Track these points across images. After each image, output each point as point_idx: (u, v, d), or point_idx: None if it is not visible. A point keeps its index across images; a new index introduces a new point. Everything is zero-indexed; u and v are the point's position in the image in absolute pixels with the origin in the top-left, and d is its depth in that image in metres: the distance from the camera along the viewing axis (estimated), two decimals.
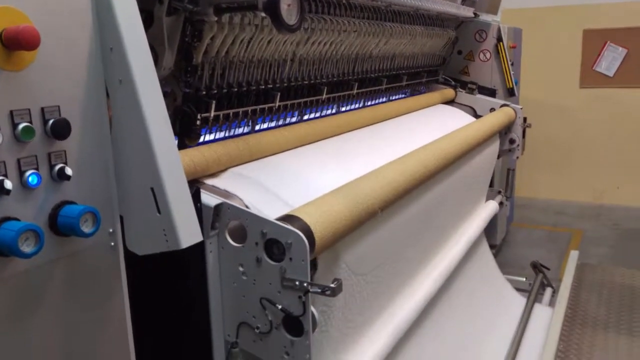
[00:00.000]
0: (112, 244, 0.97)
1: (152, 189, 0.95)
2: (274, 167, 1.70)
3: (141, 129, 0.94)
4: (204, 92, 1.59)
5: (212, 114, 1.61)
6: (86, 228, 0.85)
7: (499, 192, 3.63)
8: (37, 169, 0.84)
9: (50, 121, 0.85)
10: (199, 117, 1.57)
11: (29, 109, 0.83)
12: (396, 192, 1.67)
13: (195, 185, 1.23)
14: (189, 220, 0.98)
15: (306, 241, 1.17)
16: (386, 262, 1.84)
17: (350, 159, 1.96)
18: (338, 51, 2.19)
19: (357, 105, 2.59)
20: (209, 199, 1.27)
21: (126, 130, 0.96)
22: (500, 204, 3.54)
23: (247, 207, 1.45)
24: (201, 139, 1.66)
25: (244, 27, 1.61)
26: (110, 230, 0.96)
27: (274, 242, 1.22)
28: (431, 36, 3.01)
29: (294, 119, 2.11)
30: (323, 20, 1.97)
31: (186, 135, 1.57)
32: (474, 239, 2.88)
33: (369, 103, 2.72)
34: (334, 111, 2.39)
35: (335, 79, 2.26)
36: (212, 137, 1.73)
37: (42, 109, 0.85)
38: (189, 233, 0.97)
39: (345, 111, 2.46)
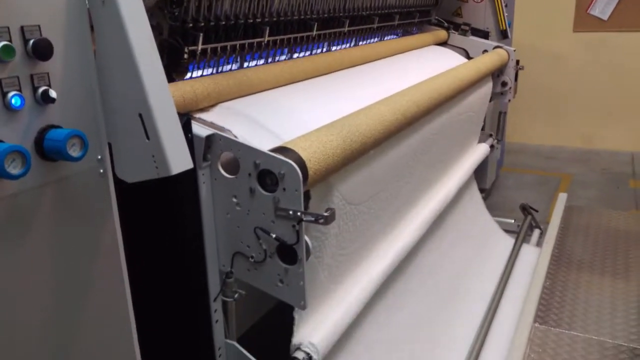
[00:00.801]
0: (101, 170, 0.95)
1: (140, 115, 0.93)
2: (265, 102, 1.68)
3: (126, 52, 0.90)
4: (191, 25, 1.55)
5: (200, 47, 1.57)
6: (74, 152, 0.83)
7: (490, 135, 3.63)
8: (19, 90, 0.81)
9: (31, 41, 0.81)
10: (186, 50, 1.53)
11: (8, 27, 0.79)
12: (388, 129, 1.66)
13: (185, 116, 1.21)
14: (178, 147, 0.97)
15: (299, 172, 1.16)
16: (379, 195, 1.84)
17: (342, 96, 1.93)
18: None
19: (348, 45, 2.54)
20: (200, 130, 1.25)
21: (111, 54, 0.93)
22: (491, 147, 3.54)
23: (239, 139, 1.43)
24: (189, 76, 1.63)
25: None
26: (99, 157, 0.94)
27: (267, 172, 1.21)
28: None
29: (283, 57, 2.07)
30: None
31: (173, 69, 1.53)
32: (465, 180, 2.90)
33: (361, 43, 2.67)
34: (324, 50, 2.35)
35: (325, 16, 2.20)
36: (200, 73, 1.69)
37: (22, 27, 0.81)
38: (179, 159, 0.96)
39: (336, 50, 2.41)
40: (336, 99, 1.87)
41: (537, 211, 3.68)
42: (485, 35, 3.72)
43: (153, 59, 0.94)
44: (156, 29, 1.54)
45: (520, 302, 2.56)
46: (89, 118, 0.92)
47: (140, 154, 0.95)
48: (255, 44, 1.80)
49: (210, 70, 1.73)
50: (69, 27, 0.88)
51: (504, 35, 3.79)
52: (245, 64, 1.87)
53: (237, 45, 1.74)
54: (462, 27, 3.60)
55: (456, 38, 3.57)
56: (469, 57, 3.49)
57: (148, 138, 0.94)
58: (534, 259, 3.01)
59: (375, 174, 1.80)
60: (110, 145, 0.98)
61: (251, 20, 1.78)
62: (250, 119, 1.54)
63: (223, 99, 1.58)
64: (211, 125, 1.43)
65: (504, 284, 2.78)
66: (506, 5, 3.90)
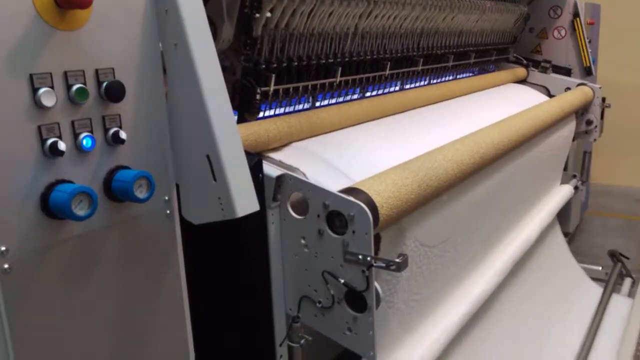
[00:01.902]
0: (168, 212, 0.94)
1: (207, 156, 0.91)
2: (337, 142, 1.65)
3: (196, 94, 0.90)
4: (264, 66, 1.56)
5: (272, 87, 1.57)
6: (140, 193, 0.83)
7: (574, 176, 3.43)
8: (91, 131, 0.82)
9: (105, 83, 0.82)
10: (258, 90, 1.54)
11: (83, 70, 0.81)
12: (466, 172, 1.58)
13: (256, 157, 1.19)
14: (245, 189, 0.94)
15: (370, 214, 1.11)
16: (455, 237, 1.75)
17: (415, 136, 1.88)
18: (402, 25, 2.10)
19: (421, 83, 2.49)
20: (271, 170, 1.23)
21: (181, 95, 0.93)
22: (575, 188, 3.34)
23: (309, 180, 1.40)
24: (261, 115, 1.63)
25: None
26: (166, 197, 0.94)
27: (337, 214, 1.16)
28: (501, 12, 2.85)
29: (355, 96, 2.04)
30: None
31: (246, 110, 1.54)
32: (547, 223, 2.73)
33: (435, 81, 2.61)
34: (397, 88, 2.31)
35: (399, 55, 2.17)
36: (272, 112, 1.70)
37: (97, 70, 0.82)
38: (245, 201, 0.93)
39: (409, 88, 2.37)
40: (410, 139, 1.82)
41: (628, 258, 3.40)
42: (567, 72, 3.56)
43: (222, 102, 0.93)
44: (229, 70, 1.56)
45: (612, 357, 2.34)
46: (158, 159, 0.92)
47: (207, 195, 0.94)
48: (327, 84, 1.79)
49: (282, 110, 1.73)
50: (142, 70, 0.89)
51: (587, 72, 3.61)
52: (317, 104, 1.86)
53: (309, 86, 1.74)
54: (543, 64, 3.47)
55: (536, 76, 3.44)
56: (550, 96, 3.34)
57: (215, 180, 0.92)
58: (625, 311, 2.76)
59: (452, 215, 1.71)
60: (177, 186, 0.98)
61: (323, 61, 1.77)
62: (321, 159, 1.51)
63: (295, 139, 1.57)
64: (281, 164, 1.42)
65: (592, 337, 2.55)
66: (590, 41, 3.73)
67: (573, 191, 3.21)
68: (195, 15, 0.94)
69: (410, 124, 1.97)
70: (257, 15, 1.47)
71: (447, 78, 2.71)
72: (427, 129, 1.97)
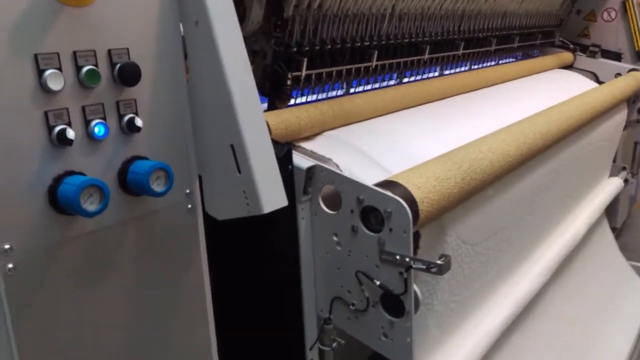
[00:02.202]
0: (190, 206, 0.86)
1: (231, 146, 0.83)
2: (372, 131, 1.55)
3: (219, 78, 0.81)
4: (295, 50, 1.46)
5: (304, 72, 1.48)
6: (157, 187, 0.75)
7: (624, 169, 3.23)
8: (104, 118, 0.74)
9: (118, 65, 0.74)
10: (289, 76, 1.44)
11: (95, 51, 0.73)
12: (512, 164, 1.46)
13: (286, 146, 1.11)
14: (272, 182, 0.86)
15: (408, 210, 1.01)
16: (498, 234, 1.63)
17: (456, 125, 1.76)
18: (442, 6, 1.98)
19: (462, 68, 2.36)
20: (301, 161, 1.14)
21: (203, 79, 0.84)
22: (625, 181, 3.16)
23: (342, 171, 1.31)
24: (292, 102, 1.54)
25: None
26: (187, 191, 0.86)
27: (372, 210, 1.07)
28: None
29: (392, 82, 1.93)
30: None
31: (276, 96, 1.45)
32: (595, 219, 2.57)
33: (476, 66, 2.47)
34: (436, 74, 2.19)
35: (438, 38, 2.05)
36: (303, 99, 1.61)
37: (109, 51, 0.74)
38: (272, 196, 0.85)
39: (449, 74, 2.24)
40: (451, 128, 1.70)
41: None
42: (617, 57, 3.35)
43: (248, 87, 0.84)
44: (259, 54, 1.48)
45: None
46: (178, 149, 0.84)
47: (231, 189, 0.85)
48: (362, 69, 1.69)
49: (314, 97, 1.64)
50: (160, 50, 0.81)
51: (639, 56, 3.40)
52: (352, 90, 1.76)
53: (344, 71, 1.64)
54: (591, 48, 3.27)
55: (584, 61, 3.24)
56: (598, 82, 3.15)
57: (240, 172, 0.84)
58: None
59: (496, 210, 1.59)
60: (200, 178, 0.90)
61: (358, 44, 1.67)
62: (356, 149, 1.41)
63: (328, 127, 1.48)
64: (312, 155, 1.33)
65: None
66: None
67: (623, 184, 3.03)
68: None
69: (450, 112, 1.85)
70: None
71: (489, 63, 2.57)
72: (468, 118, 1.84)
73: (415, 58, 1.96)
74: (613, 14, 3.33)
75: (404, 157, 1.44)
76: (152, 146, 0.80)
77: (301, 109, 1.40)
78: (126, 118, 0.76)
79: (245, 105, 0.84)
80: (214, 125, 0.86)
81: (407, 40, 1.88)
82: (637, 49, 3.39)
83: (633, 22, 3.34)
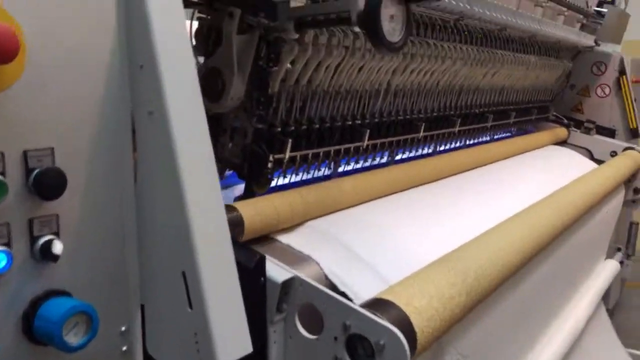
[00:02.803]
0: (124, 348, 0.67)
1: (183, 274, 0.64)
2: (361, 221, 1.37)
3: (173, 186, 0.64)
4: (279, 129, 1.30)
5: (288, 154, 1.31)
6: (74, 337, 0.56)
7: (619, 249, 3.09)
8: (7, 244, 0.55)
9: (36, 171, 0.56)
10: (271, 158, 1.27)
11: (3, 153, 0.55)
12: (518, 265, 1.29)
13: (258, 255, 0.92)
14: (234, 323, 0.66)
15: (406, 345, 0.82)
16: (499, 341, 1.45)
17: (454, 215, 1.59)
18: (440, 82, 1.85)
19: (457, 144, 2.22)
20: (276, 272, 0.95)
21: (153, 184, 0.66)
22: (621, 263, 3.01)
23: (326, 276, 1.13)
24: (274, 183, 1.37)
25: (332, 50, 1.31)
26: (123, 328, 0.66)
27: (360, 338, 0.88)
28: (545, 67, 2.59)
29: (383, 159, 1.77)
30: (425, 44, 1.64)
31: (254, 180, 1.28)
32: (594, 307, 2.40)
33: (471, 141, 2.34)
34: (430, 150, 2.04)
35: (434, 114, 1.91)
36: (287, 180, 1.43)
37: (25, 152, 0.57)
38: (232, 343, 0.66)
39: (444, 151, 2.09)
40: (447, 219, 1.53)
41: None
42: (611, 133, 3.26)
43: (210, 198, 0.66)
44: (239, 131, 1.31)
45: None
46: (114, 275, 0.65)
47: (180, 327, 0.66)
48: (352, 149, 1.53)
49: (298, 177, 1.47)
50: (98, 150, 0.63)
51: (634, 134, 3.32)
52: (340, 168, 1.60)
53: (332, 151, 1.47)
54: (586, 124, 3.18)
55: (578, 137, 3.15)
56: (593, 158, 3.05)
57: (191, 307, 0.65)
58: None
59: (498, 316, 1.41)
60: (143, 308, 0.70)
61: (350, 122, 1.52)
62: (341, 245, 1.23)
63: (311, 216, 1.30)
64: (288, 251, 1.15)
65: None
66: (635, 100, 3.45)
67: (619, 267, 2.87)
68: (181, 74, 0.68)
69: (445, 199, 1.69)
70: (275, 68, 1.22)
71: (484, 138, 2.44)
72: (465, 206, 1.68)
73: (410, 136, 1.81)
74: (607, 90, 3.27)
75: (395, 255, 1.26)
76: (76, 276, 0.61)
77: (281, 197, 1.23)
78: (41, 241, 0.58)
79: (204, 222, 0.65)
80: (163, 244, 0.67)
81: (401, 117, 1.74)
82: (631, 126, 3.32)
83: (627, 99, 3.28)
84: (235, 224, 1.10)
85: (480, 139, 2.39)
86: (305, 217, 1.28)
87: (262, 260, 0.92)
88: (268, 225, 1.16)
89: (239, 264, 0.85)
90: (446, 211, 1.59)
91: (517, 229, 1.40)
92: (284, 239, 1.22)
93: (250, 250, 0.92)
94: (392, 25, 0.95)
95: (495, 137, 2.60)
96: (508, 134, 2.76)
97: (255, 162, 1.26)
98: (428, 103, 1.86)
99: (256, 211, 1.15)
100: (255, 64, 1.20)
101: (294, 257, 1.16)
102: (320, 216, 1.33)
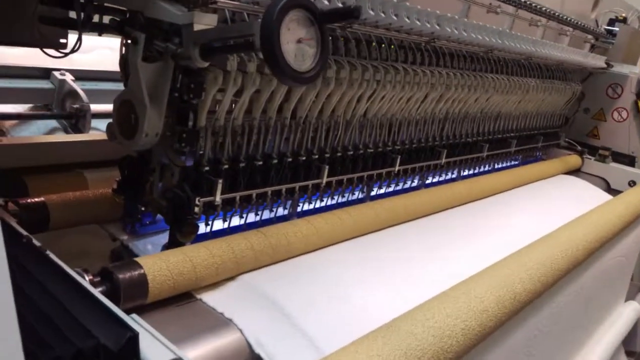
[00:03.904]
0: None
1: None
2: (309, 273, 1.19)
3: None
4: (207, 168, 1.14)
5: (219, 197, 1.15)
6: None
7: None
8: None
9: None
10: (197, 201, 1.11)
11: None
12: (501, 318, 1.09)
13: (130, 329, 0.74)
14: None
15: None
16: None
17: (428, 261, 1.40)
18: (419, 109, 1.67)
19: (446, 176, 2.02)
20: (156, 353, 0.76)
21: None
22: None
23: (250, 345, 0.95)
24: (205, 230, 1.20)
25: (264, 79, 1.15)
26: None
27: None
28: (549, 91, 2.39)
29: (341, 198, 1.57)
30: (393, 68, 1.46)
31: (178, 228, 1.11)
32: (609, 355, 2.14)
33: (465, 172, 2.14)
34: (414, 183, 1.85)
35: (414, 146, 1.73)
36: (225, 224, 1.26)
37: None
38: None
39: (428, 185, 1.90)
40: (420, 269, 1.34)
41: None
42: (631, 161, 3.02)
43: None
44: (167, 170, 1.15)
45: None
46: None
47: None
48: (297, 188, 1.35)
49: (238, 220, 1.29)
50: None
51: None
52: (287, 209, 1.42)
53: (269, 192, 1.30)
54: (601, 151, 2.94)
55: (593, 165, 2.91)
56: (609, 189, 2.81)
57: None
58: None
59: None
60: None
61: (304, 158, 1.35)
62: (275, 306, 1.05)
63: (245, 269, 1.13)
64: (211, 316, 0.98)
65: None
66: None
67: None
68: None
69: (422, 241, 1.50)
70: (196, 100, 1.07)
71: (477, 170, 2.23)
72: (446, 247, 1.48)
73: (386, 170, 1.63)
74: (624, 114, 3.04)
75: (343, 317, 1.07)
76: None
77: (205, 248, 1.06)
78: None
79: None
80: None
81: (380, 149, 1.56)
82: None
83: None
84: (137, 284, 0.94)
85: (473, 170, 2.19)
86: (238, 270, 1.11)
87: (133, 340, 0.74)
88: (182, 285, 0.99)
89: (102, 347, 0.69)
90: (417, 260, 1.39)
91: (509, 273, 1.20)
92: (208, 297, 1.05)
93: (121, 325, 0.74)
94: (300, 51, 0.78)
95: (497, 166, 2.39)
96: (515, 162, 2.54)
97: (177, 206, 1.10)
98: (406, 133, 1.68)
99: (168, 267, 0.98)
100: (172, 96, 1.05)
101: (211, 323, 0.98)
102: (259, 268, 1.15)
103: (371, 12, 1.15)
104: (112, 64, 1.75)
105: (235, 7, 0.96)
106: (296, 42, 0.77)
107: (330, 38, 1.20)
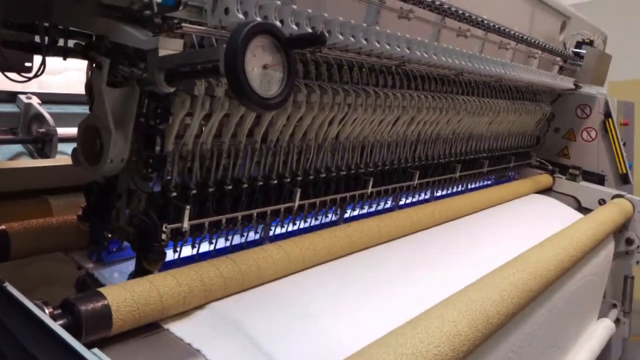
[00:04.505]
0: None
1: None
2: (281, 300, 1.17)
3: None
4: (175, 193, 1.11)
5: (186, 224, 1.12)
6: None
7: (614, 306, 2.85)
8: None
9: None
10: (164, 228, 1.08)
11: None
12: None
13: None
14: None
15: None
16: None
17: (403, 286, 1.39)
18: (391, 132, 1.67)
19: (419, 197, 2.03)
20: None
21: None
22: (617, 320, 2.76)
23: None
24: (174, 256, 1.17)
25: (233, 103, 1.14)
26: None
27: None
28: (519, 112, 2.42)
29: (314, 221, 1.56)
30: (364, 92, 1.46)
31: (145, 256, 1.08)
32: None
33: (440, 192, 2.15)
34: (387, 205, 1.85)
35: (386, 168, 1.73)
36: (193, 250, 1.24)
37: None
38: None
39: (402, 206, 1.90)
40: (393, 294, 1.33)
41: None
42: (600, 180, 3.07)
43: None
44: (134, 196, 1.13)
45: None
46: None
47: None
48: (269, 212, 1.33)
49: (207, 246, 1.27)
50: None
51: (624, 180, 3.12)
52: (259, 234, 1.40)
53: (239, 217, 1.27)
54: (571, 170, 2.99)
55: (564, 184, 2.96)
56: (580, 208, 2.85)
57: None
58: None
59: None
60: None
61: (276, 181, 1.33)
62: (246, 335, 1.03)
63: (214, 297, 1.10)
64: (178, 347, 0.95)
65: None
66: (624, 144, 3.26)
67: (614, 327, 2.62)
68: None
69: (396, 264, 1.49)
70: (163, 125, 1.05)
71: (453, 190, 2.24)
72: (419, 272, 1.47)
73: (359, 192, 1.62)
74: (593, 134, 3.10)
75: (318, 350, 1.05)
76: None
77: (172, 277, 1.03)
78: None
79: None
80: None
81: (353, 171, 1.56)
82: (620, 172, 3.13)
83: (614, 143, 3.10)
84: (100, 316, 0.91)
85: (446, 191, 2.20)
86: (207, 299, 1.08)
87: None
88: (147, 315, 0.96)
89: None
90: (390, 284, 1.38)
91: (481, 296, 1.19)
92: (175, 327, 1.02)
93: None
94: (266, 78, 0.78)
95: (470, 186, 2.40)
96: (487, 182, 2.56)
97: (144, 233, 1.07)
98: (379, 155, 1.68)
99: (133, 297, 0.95)
100: (139, 120, 1.03)
101: (179, 354, 0.96)
102: (228, 296, 1.13)
103: (340, 37, 1.15)
104: (81, 86, 1.73)
105: (201, 32, 0.95)
106: (262, 68, 0.77)
107: (298, 63, 1.20)
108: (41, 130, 1.57)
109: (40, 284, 1.25)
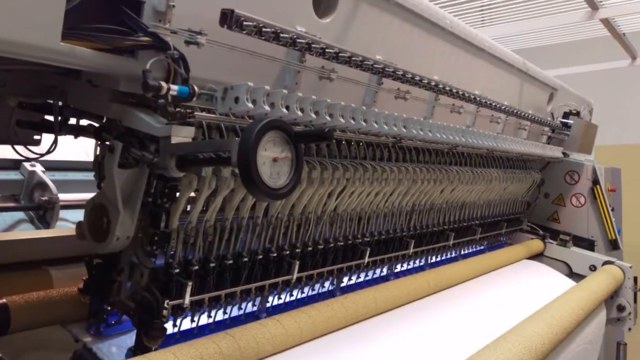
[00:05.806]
0: None
1: None
2: None
3: None
4: (177, 270, 1.13)
5: (187, 300, 1.14)
6: None
7: None
8: None
9: None
10: (166, 304, 1.10)
11: None
12: None
13: None
14: None
15: None
16: None
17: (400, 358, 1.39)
18: (387, 203, 1.71)
19: (414, 264, 2.05)
20: None
21: None
22: None
23: None
24: (173, 330, 1.18)
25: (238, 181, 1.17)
26: None
27: None
28: (511, 180, 2.48)
29: (311, 292, 1.57)
30: (362, 166, 1.51)
31: (145, 332, 1.09)
32: None
33: (434, 259, 2.17)
34: (383, 273, 1.86)
35: (383, 237, 1.76)
36: (193, 324, 1.24)
37: None
38: None
39: (397, 274, 1.92)
40: None
41: None
42: (590, 245, 3.11)
43: None
44: (136, 270, 1.14)
45: None
46: None
47: None
48: (267, 286, 1.35)
49: (209, 317, 1.28)
50: None
51: (613, 245, 3.16)
52: (256, 306, 1.41)
53: (252, 289, 1.30)
54: (562, 236, 3.03)
55: (555, 249, 2.99)
56: (571, 273, 2.87)
57: None
58: None
59: None
60: None
61: (275, 254, 1.36)
62: None
63: None
64: None
65: None
66: (613, 209, 3.32)
67: None
68: None
69: (391, 334, 1.49)
70: (169, 204, 1.08)
71: (448, 256, 2.27)
72: (408, 345, 1.48)
73: (355, 262, 1.64)
74: (582, 200, 3.16)
75: None
76: None
77: (173, 354, 1.04)
78: None
79: None
80: None
81: (349, 242, 1.59)
82: (610, 237, 3.18)
83: (603, 210, 3.16)
84: None
85: (440, 257, 2.22)
86: None
87: None
88: None
89: None
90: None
91: None
92: None
93: None
94: (275, 169, 0.82)
95: (464, 252, 2.43)
96: (480, 248, 2.59)
97: (146, 310, 1.08)
98: (375, 226, 1.72)
99: None
100: (146, 199, 1.06)
101: None
102: None
103: (342, 120, 1.20)
104: (84, 153, 1.77)
105: (212, 119, 0.99)
106: (272, 161, 0.81)
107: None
108: (44, 198, 1.59)
109: (31, 347, 1.25)
